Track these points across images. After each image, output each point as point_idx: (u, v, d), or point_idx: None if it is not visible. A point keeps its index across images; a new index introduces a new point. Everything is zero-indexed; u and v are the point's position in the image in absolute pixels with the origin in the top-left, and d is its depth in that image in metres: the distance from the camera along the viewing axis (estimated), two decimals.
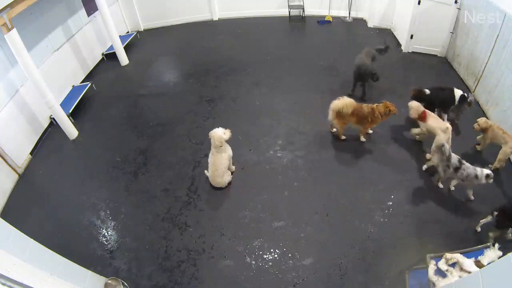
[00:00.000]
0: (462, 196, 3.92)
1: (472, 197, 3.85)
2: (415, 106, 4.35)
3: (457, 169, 3.67)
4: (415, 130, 4.59)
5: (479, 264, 2.60)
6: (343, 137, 4.72)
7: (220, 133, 3.97)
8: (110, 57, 7.13)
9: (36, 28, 5.26)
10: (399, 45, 6.78)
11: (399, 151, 4.57)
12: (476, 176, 3.58)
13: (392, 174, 4.27)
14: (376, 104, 4.42)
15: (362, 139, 4.72)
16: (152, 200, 4.24)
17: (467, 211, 3.79)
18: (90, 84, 6.17)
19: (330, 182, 4.24)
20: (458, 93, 4.51)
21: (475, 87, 5.20)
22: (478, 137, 4.40)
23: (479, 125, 4.17)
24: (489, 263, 2.56)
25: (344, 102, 4.35)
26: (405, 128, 4.87)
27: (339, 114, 4.40)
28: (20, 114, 4.91)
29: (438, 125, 4.19)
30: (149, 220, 4.02)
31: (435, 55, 6.36)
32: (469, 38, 5.36)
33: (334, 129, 4.81)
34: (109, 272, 3.51)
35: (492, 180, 3.59)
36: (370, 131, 4.81)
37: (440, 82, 5.61)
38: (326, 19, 8.03)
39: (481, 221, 3.49)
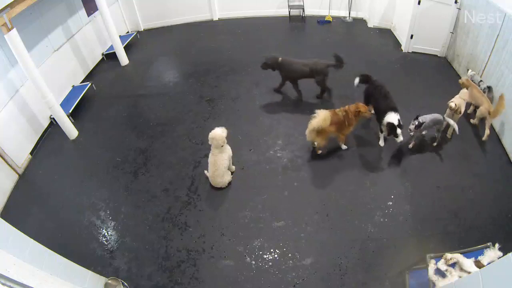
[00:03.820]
0: (462, 197, 3.93)
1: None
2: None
3: None
4: None
5: (479, 264, 2.60)
6: (320, 152, 4.53)
7: (220, 133, 3.97)
8: (110, 57, 7.13)
9: (36, 28, 5.26)
10: (398, 45, 6.78)
11: (399, 151, 4.56)
12: None
13: (392, 174, 4.27)
14: (346, 106, 4.35)
15: (344, 146, 4.57)
16: (152, 200, 4.24)
17: (467, 211, 3.78)
18: (90, 84, 6.17)
19: (330, 182, 4.24)
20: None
21: None
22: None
23: (462, 83, 4.74)
24: (489, 263, 2.56)
25: (322, 117, 4.10)
26: (404, 128, 4.86)
27: (319, 130, 4.14)
28: (20, 114, 4.91)
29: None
30: (149, 220, 4.02)
31: (435, 55, 6.37)
32: (469, 38, 5.36)
33: (316, 142, 4.43)
34: (109, 272, 3.51)
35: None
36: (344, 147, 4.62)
37: (440, 82, 5.65)
38: (326, 19, 8.03)
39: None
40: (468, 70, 5.22)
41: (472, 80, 4.89)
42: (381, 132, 4.55)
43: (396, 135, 4.15)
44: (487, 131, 4.43)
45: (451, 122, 4.24)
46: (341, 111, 4.30)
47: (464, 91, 4.58)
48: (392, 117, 4.13)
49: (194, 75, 6.45)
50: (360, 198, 4.02)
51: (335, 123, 4.24)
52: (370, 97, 4.71)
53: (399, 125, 4.12)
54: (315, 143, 4.46)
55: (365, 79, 4.81)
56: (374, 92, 4.60)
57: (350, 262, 3.43)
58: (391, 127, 4.13)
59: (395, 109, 4.24)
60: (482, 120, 4.56)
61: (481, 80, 4.87)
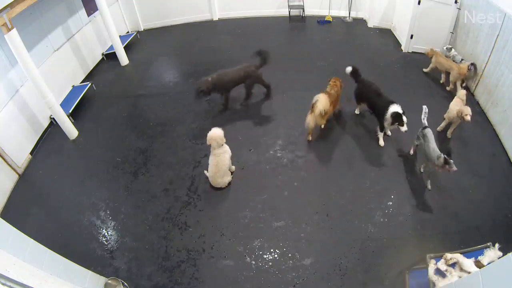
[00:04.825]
0: (462, 197, 3.93)
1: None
2: None
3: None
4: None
5: (479, 264, 2.60)
6: (310, 138, 4.74)
7: (219, 132, 3.97)
8: (110, 57, 7.13)
9: (36, 28, 5.26)
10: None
11: (399, 151, 4.56)
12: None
13: (392, 174, 4.27)
14: (331, 82, 4.71)
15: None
16: (152, 200, 4.25)
17: (467, 211, 3.79)
18: (90, 84, 6.17)
19: (330, 182, 4.24)
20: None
21: (475, 87, 5.20)
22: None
23: (427, 52, 5.65)
24: (489, 263, 2.56)
25: (324, 100, 4.35)
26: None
27: (324, 113, 4.39)
28: (20, 114, 4.91)
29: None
30: (149, 220, 4.02)
31: None
32: (469, 38, 5.36)
33: (310, 137, 4.76)
34: (109, 272, 3.52)
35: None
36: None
37: (440, 83, 5.64)
38: (326, 19, 8.03)
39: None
40: (451, 49, 5.61)
41: (454, 60, 5.41)
42: (381, 131, 4.57)
43: (402, 124, 4.14)
44: (459, 89, 4.96)
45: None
46: (332, 88, 4.62)
47: (462, 92, 4.57)
48: (396, 108, 4.19)
49: (194, 75, 6.44)
50: (360, 198, 4.02)
51: (331, 102, 4.51)
52: (362, 96, 4.83)
53: (404, 114, 4.16)
54: (310, 137, 4.74)
55: (355, 73, 4.87)
56: (366, 91, 4.69)
57: (350, 262, 3.43)
58: (397, 115, 4.12)
59: (394, 102, 4.28)
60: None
61: (462, 59, 5.36)
